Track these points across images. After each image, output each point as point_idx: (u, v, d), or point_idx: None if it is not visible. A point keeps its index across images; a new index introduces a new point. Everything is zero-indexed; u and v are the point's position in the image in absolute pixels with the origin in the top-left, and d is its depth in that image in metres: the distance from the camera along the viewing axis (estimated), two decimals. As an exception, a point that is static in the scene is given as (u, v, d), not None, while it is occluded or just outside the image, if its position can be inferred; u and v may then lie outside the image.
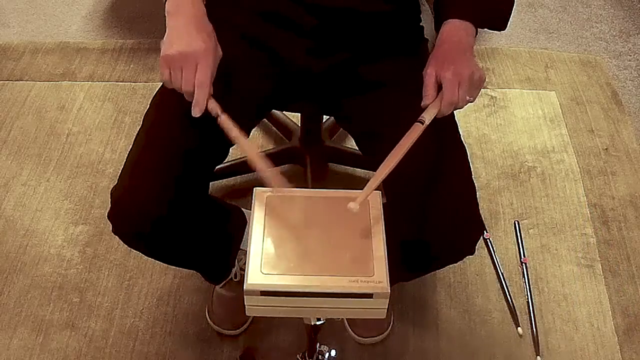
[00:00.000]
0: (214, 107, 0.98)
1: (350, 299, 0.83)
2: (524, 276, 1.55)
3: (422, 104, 1.00)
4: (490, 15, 1.07)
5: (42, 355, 1.42)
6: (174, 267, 1.41)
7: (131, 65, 2.07)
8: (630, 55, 2.16)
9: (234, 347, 1.42)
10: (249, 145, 0.99)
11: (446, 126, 1.06)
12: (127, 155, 1.08)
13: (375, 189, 0.93)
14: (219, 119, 0.98)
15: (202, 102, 0.96)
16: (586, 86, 2.03)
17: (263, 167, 0.93)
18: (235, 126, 0.98)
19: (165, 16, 1.02)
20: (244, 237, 1.34)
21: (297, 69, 1.18)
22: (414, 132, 0.95)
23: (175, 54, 0.96)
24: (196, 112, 0.97)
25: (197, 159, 1.08)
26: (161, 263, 1.23)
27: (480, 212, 1.08)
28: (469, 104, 1.01)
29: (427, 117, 0.97)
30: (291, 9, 1.11)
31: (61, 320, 1.47)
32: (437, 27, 1.06)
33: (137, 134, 1.10)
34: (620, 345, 1.44)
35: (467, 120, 1.90)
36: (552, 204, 1.71)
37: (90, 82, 2.02)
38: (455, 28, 1.04)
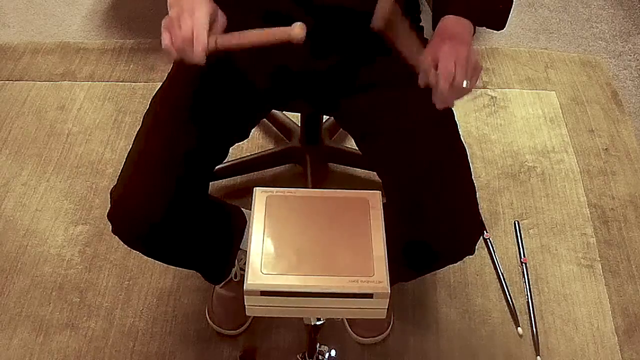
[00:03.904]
0: (212, 41, 0.92)
1: (350, 299, 0.84)
2: (524, 276, 1.55)
3: (419, 82, 0.95)
4: (488, 14, 1.06)
5: (42, 355, 1.42)
6: (174, 267, 1.41)
7: (131, 65, 2.07)
8: (630, 55, 2.16)
9: (234, 347, 1.42)
10: (255, 33, 0.93)
11: (446, 126, 1.06)
12: (126, 155, 1.08)
13: (375, 189, 0.93)
14: (217, 44, 0.92)
15: (202, 40, 0.90)
16: (586, 86, 2.03)
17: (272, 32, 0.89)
18: (233, 34, 0.93)
19: (167, 8, 1.01)
20: (244, 237, 1.34)
21: (297, 68, 1.18)
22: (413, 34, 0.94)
23: (173, 14, 0.93)
24: (199, 52, 0.90)
25: (197, 159, 1.08)
26: (161, 263, 1.23)
27: (480, 212, 1.08)
28: (466, 97, 0.99)
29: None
30: (291, 9, 1.11)
31: (61, 320, 1.47)
32: (435, 24, 1.05)
33: (137, 134, 1.10)
34: (620, 345, 1.44)
35: (467, 120, 1.90)
36: (552, 204, 1.71)
37: (90, 82, 2.02)
38: (453, 24, 1.03)
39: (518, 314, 1.48)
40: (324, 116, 1.69)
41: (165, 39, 0.93)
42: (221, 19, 0.98)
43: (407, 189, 1.06)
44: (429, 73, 0.93)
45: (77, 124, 1.89)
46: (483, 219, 1.67)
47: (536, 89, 2.02)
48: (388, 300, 0.84)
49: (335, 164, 1.78)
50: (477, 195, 1.07)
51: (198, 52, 0.89)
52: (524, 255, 1.59)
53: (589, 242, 1.63)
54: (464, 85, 0.94)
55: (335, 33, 1.14)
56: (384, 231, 0.89)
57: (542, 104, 1.97)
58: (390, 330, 1.44)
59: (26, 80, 2.03)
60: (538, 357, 1.42)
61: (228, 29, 1.12)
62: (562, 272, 1.57)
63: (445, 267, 1.17)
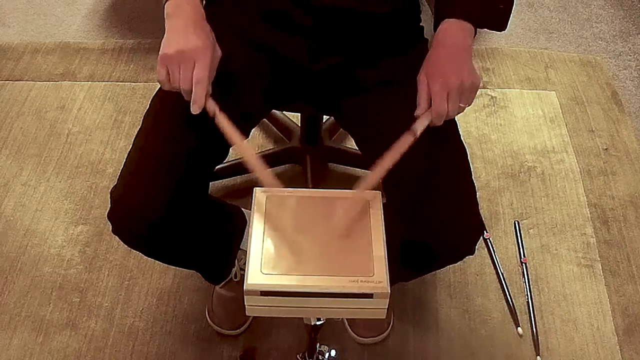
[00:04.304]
0: (212, 106, 0.98)
1: (350, 299, 0.83)
2: (524, 276, 1.55)
3: (415, 114, 0.99)
4: (489, 15, 1.06)
5: (42, 355, 1.42)
6: (174, 267, 1.41)
7: (131, 65, 2.07)
8: (630, 55, 2.16)
9: (234, 347, 1.42)
10: (245, 147, 0.99)
11: (446, 126, 1.06)
12: (126, 155, 1.08)
13: (375, 189, 0.93)
14: (216, 119, 0.98)
15: (200, 99, 0.96)
16: (586, 86, 2.03)
17: (259, 169, 0.93)
18: (232, 127, 0.97)
19: (164, 18, 1.02)
20: (244, 237, 1.34)
21: (298, 69, 1.18)
22: (404, 142, 0.96)
23: (173, 53, 0.96)
24: (195, 110, 0.97)
25: (197, 160, 1.08)
26: (161, 263, 1.23)
27: (480, 212, 1.08)
28: (468, 107, 1.01)
29: (419, 127, 0.97)
30: (291, 9, 1.11)
31: (61, 320, 1.47)
32: (436, 26, 1.06)
33: (137, 134, 1.10)
34: (620, 345, 1.44)
35: (467, 120, 1.90)
36: (552, 204, 1.71)
37: (90, 82, 2.02)
38: (453, 28, 1.03)
39: (518, 314, 1.48)
40: (324, 116, 1.69)
41: (162, 74, 0.97)
42: (217, 53, 1.01)
43: (407, 189, 1.06)
44: (423, 107, 0.98)
45: (77, 124, 1.89)
46: (483, 219, 1.67)
47: (536, 89, 2.02)
48: (388, 300, 0.84)
49: (335, 164, 1.78)
50: (477, 195, 1.07)
51: (194, 109, 0.97)
52: (524, 255, 1.59)
53: (589, 242, 1.63)
54: (461, 105, 0.99)
55: (334, 33, 1.14)
56: (384, 231, 0.89)
57: (542, 104, 1.97)
58: (390, 330, 1.44)
59: (26, 80, 2.03)
60: (538, 357, 1.42)
61: (228, 29, 1.13)
62: (562, 272, 1.57)
63: (445, 267, 1.17)
